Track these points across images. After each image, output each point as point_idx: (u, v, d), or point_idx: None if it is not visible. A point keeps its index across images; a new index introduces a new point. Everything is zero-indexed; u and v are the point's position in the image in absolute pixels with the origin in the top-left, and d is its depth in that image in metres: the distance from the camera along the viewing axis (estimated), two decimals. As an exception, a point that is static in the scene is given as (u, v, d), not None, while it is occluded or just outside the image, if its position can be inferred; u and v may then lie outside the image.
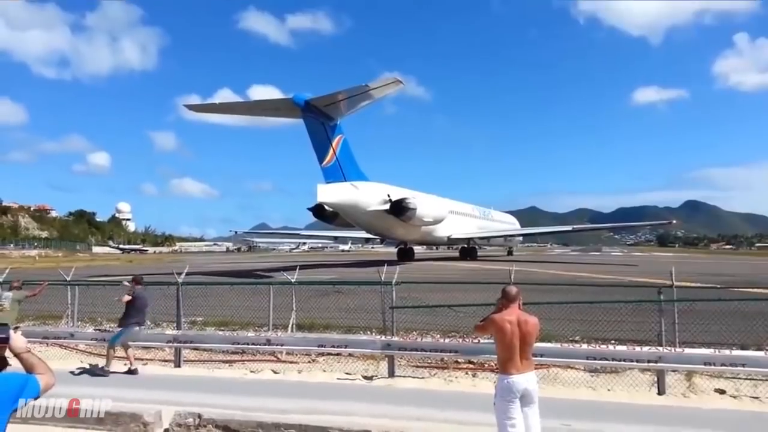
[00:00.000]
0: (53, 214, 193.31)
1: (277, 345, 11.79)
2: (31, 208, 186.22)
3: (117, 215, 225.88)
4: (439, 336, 11.82)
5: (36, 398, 3.29)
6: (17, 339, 3.47)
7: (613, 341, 10.87)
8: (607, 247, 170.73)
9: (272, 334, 12.12)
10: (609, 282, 23.80)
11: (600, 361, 9.88)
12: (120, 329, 11.93)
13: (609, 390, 9.91)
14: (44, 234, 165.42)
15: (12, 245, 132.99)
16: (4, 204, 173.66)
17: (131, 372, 11.56)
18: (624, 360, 9.72)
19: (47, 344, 13.93)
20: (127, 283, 12.59)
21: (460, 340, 10.68)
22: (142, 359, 13.17)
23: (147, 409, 8.08)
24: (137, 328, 11.94)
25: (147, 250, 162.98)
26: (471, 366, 11.30)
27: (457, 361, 11.23)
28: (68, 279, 15.52)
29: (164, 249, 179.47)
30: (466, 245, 59.95)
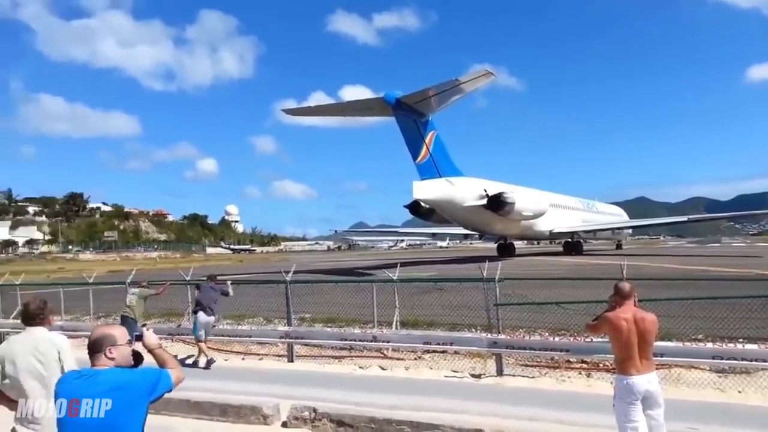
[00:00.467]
0: (170, 218, 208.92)
1: (383, 342, 11.98)
2: (150, 213, 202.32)
3: (226, 217, 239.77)
4: (547, 334, 11.50)
5: (169, 391, 3.57)
6: (150, 336, 3.78)
7: (741, 339, 10.03)
8: (727, 237, 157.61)
9: (378, 330, 12.32)
10: (732, 276, 22.00)
11: (728, 361, 9.15)
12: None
13: (739, 392, 9.16)
14: (162, 237, 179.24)
15: (138, 248, 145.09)
16: (126, 210, 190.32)
17: (195, 364, 12.47)
18: (755, 360, 8.93)
19: (172, 340, 15.01)
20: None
21: (571, 338, 10.32)
22: (257, 354, 13.91)
23: (266, 402, 8.51)
24: (202, 317, 12.63)
25: (255, 250, 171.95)
26: (584, 366, 10.88)
27: (568, 361, 10.86)
28: (187, 279, 16.53)
29: (270, 248, 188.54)
30: (570, 239, 57.73)
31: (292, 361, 12.69)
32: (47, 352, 4.54)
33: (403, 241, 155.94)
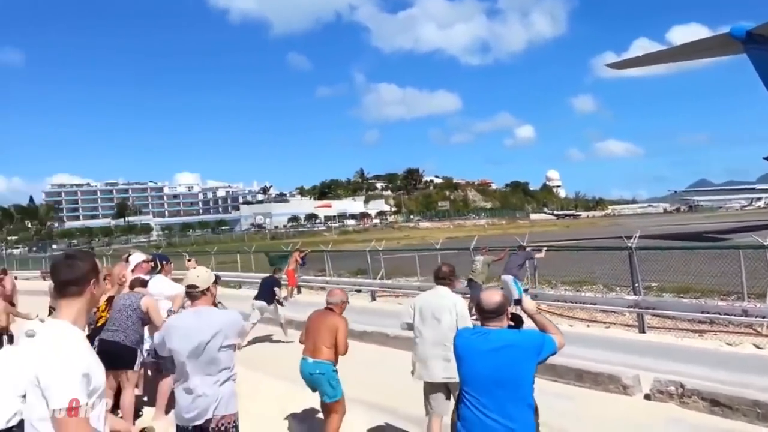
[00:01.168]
0: (493, 186, 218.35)
1: (756, 317, 10.43)
2: (475, 183, 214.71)
3: (547, 183, 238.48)
4: None
5: (554, 354, 3.75)
6: (528, 301, 4.03)
7: None
8: None
9: (749, 304, 10.78)
10: None
11: None
12: None
13: None
14: (488, 205, 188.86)
15: (468, 215, 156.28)
16: (455, 181, 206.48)
17: None
18: None
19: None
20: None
21: None
22: (603, 322, 13.64)
23: (625, 372, 8.26)
24: (504, 277, 14.11)
25: (580, 215, 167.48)
26: None
27: None
28: (523, 244, 16.89)
29: (596, 213, 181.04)
30: None
31: (643, 332, 12.02)
32: (447, 306, 5.45)
33: (760, 199, 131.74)
